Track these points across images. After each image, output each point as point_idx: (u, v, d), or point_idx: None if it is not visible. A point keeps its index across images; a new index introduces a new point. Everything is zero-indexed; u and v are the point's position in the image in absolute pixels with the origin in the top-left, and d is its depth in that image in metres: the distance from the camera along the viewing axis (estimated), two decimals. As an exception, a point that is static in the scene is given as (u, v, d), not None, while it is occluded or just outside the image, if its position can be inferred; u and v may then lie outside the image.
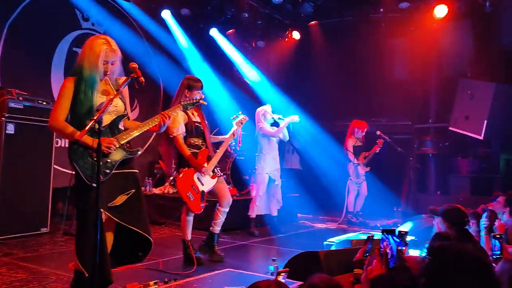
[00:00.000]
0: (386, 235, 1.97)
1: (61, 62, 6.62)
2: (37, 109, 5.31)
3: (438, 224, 3.17)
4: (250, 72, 9.09)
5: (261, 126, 6.09)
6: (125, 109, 3.10)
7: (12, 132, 5.10)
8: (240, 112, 4.86)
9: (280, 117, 6.13)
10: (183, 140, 4.27)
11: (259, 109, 6.19)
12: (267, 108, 6.18)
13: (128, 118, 3.16)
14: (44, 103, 5.41)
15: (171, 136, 4.23)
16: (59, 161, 5.62)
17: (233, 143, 7.00)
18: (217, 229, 4.52)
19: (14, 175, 5.09)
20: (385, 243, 1.95)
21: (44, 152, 5.40)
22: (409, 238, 4.82)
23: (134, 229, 2.97)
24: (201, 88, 4.37)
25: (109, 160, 2.90)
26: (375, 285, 1.89)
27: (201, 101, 3.94)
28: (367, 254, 2.73)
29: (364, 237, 2.94)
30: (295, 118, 6.07)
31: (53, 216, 5.47)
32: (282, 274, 2.23)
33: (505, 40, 7.27)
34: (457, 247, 1.58)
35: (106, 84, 3.03)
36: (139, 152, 3.11)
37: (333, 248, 4.45)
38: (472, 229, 3.60)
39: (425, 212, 6.59)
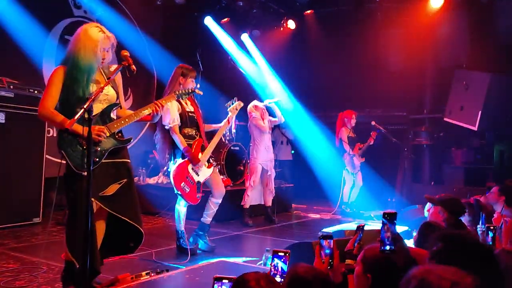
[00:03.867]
0: (386, 219, 2.03)
1: (52, 50, 6.53)
2: (28, 98, 5.23)
3: (436, 213, 3.16)
4: (244, 61, 9.02)
5: (253, 116, 6.05)
6: (117, 98, 3.05)
7: (3, 121, 5.04)
8: (235, 99, 4.75)
9: (272, 101, 6.09)
10: (178, 130, 4.22)
11: (251, 105, 6.14)
12: (254, 103, 6.14)
13: (121, 107, 3.11)
14: (36, 91, 5.33)
15: (166, 127, 4.18)
16: (51, 151, 5.55)
17: (228, 133, 6.99)
18: (208, 219, 4.49)
19: (5, 164, 5.03)
20: (386, 227, 1.99)
21: (36, 141, 5.34)
22: (402, 228, 4.85)
23: (126, 219, 2.94)
24: (195, 77, 4.33)
25: (99, 149, 2.86)
26: (370, 266, 1.91)
27: (196, 91, 3.90)
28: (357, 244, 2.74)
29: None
30: (277, 99, 6.08)
31: (45, 206, 5.42)
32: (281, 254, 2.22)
33: (501, 31, 7.24)
34: (470, 236, 1.61)
35: (98, 72, 2.98)
36: (131, 141, 3.08)
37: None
38: (464, 219, 3.61)
39: (419, 203, 6.62)
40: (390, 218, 2.05)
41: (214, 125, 4.71)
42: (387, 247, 1.96)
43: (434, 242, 1.63)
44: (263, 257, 3.69)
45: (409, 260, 2.02)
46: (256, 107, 6.10)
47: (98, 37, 2.82)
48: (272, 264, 2.06)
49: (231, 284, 1.52)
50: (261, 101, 6.22)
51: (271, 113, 6.23)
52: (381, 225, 2.02)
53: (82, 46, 2.83)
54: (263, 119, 6.11)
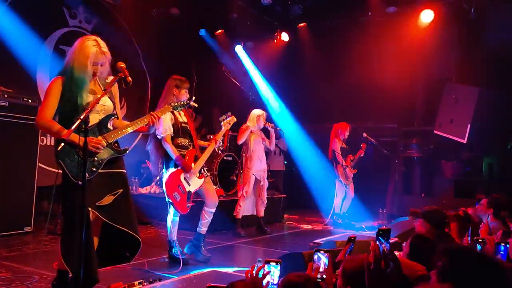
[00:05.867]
0: (381, 238, 2.05)
1: (47, 59, 6.55)
2: (22, 107, 5.25)
3: (419, 226, 3.22)
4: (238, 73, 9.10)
5: (248, 124, 6.10)
6: (114, 108, 3.09)
7: (-4, 130, 5.04)
8: (228, 113, 4.89)
9: (272, 126, 6.17)
10: (171, 140, 4.26)
11: (257, 112, 6.18)
12: (263, 115, 6.18)
13: (118, 118, 3.15)
14: (30, 100, 5.34)
15: (158, 136, 4.23)
16: (44, 160, 5.56)
17: (221, 144, 7.03)
18: (203, 229, 4.52)
19: (-2, 173, 5.02)
20: (383, 246, 2.01)
21: (29, 150, 5.34)
22: (392, 240, 4.90)
23: (123, 228, 2.96)
24: (188, 88, 4.39)
25: (96, 159, 2.89)
26: (350, 278, 1.94)
27: (191, 103, 3.95)
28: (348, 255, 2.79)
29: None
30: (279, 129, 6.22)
31: (37, 215, 5.41)
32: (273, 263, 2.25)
33: (490, 46, 7.39)
34: (474, 251, 1.62)
35: (94, 84, 3.02)
36: (127, 152, 3.11)
37: (318, 249, 4.47)
38: (452, 231, 3.65)
39: (410, 214, 6.68)
40: (385, 236, 2.07)
41: (202, 142, 4.74)
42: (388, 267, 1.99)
43: (439, 257, 1.65)
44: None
45: (401, 277, 2.06)
46: (258, 119, 6.11)
47: (90, 51, 2.86)
48: (268, 272, 2.08)
49: (224, 292, 1.56)
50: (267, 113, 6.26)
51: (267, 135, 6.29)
52: (374, 238, 2.04)
53: (76, 57, 2.88)
54: (251, 133, 6.14)
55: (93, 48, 2.87)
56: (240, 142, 6.15)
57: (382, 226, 6.48)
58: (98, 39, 2.94)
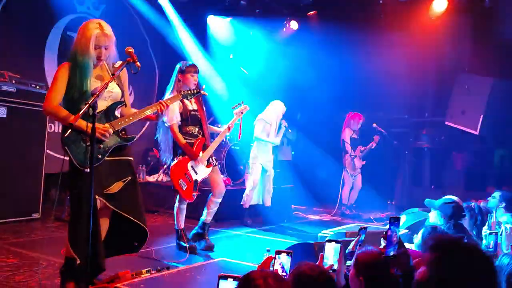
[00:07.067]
0: (392, 223, 2.12)
1: (54, 46, 6.51)
2: (30, 93, 5.22)
3: (433, 218, 3.16)
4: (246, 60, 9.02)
5: (263, 118, 6.05)
6: (123, 95, 3.04)
7: (4, 116, 5.02)
8: (241, 101, 4.69)
9: (286, 125, 6.19)
10: (178, 129, 4.21)
11: (281, 106, 6.18)
12: (283, 110, 6.18)
13: (126, 105, 3.10)
14: (37, 87, 5.32)
15: (166, 125, 4.17)
16: (52, 147, 5.54)
17: (228, 135, 6.98)
18: (208, 219, 4.48)
19: (5, 159, 5.02)
20: (389, 232, 2.08)
21: (37, 136, 5.33)
22: (402, 231, 4.84)
23: (129, 217, 2.93)
24: (195, 72, 4.27)
25: (102, 146, 2.85)
26: (362, 269, 1.93)
27: (202, 92, 3.89)
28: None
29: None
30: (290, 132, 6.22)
31: (45, 202, 5.41)
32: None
33: (504, 35, 7.24)
34: (466, 244, 1.59)
35: (102, 70, 2.98)
36: (135, 139, 3.07)
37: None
38: (465, 222, 3.61)
39: (419, 206, 6.61)
40: (396, 223, 2.08)
41: (217, 128, 4.69)
42: (391, 253, 1.98)
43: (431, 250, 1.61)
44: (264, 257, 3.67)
45: (409, 268, 2.04)
46: (279, 115, 6.13)
47: (91, 33, 2.80)
48: (279, 263, 2.06)
49: (237, 283, 1.51)
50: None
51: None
52: (387, 229, 2.04)
53: (78, 41, 2.84)
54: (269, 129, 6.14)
55: (94, 30, 2.81)
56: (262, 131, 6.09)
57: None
58: (102, 21, 2.88)
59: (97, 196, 2.75)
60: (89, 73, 2.85)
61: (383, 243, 2.23)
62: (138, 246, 3.11)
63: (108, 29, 2.87)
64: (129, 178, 2.97)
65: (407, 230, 4.93)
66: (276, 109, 6.18)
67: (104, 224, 2.99)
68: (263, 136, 6.06)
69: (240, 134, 5.01)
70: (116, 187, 2.91)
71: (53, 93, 2.83)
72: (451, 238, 2.01)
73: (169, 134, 4.24)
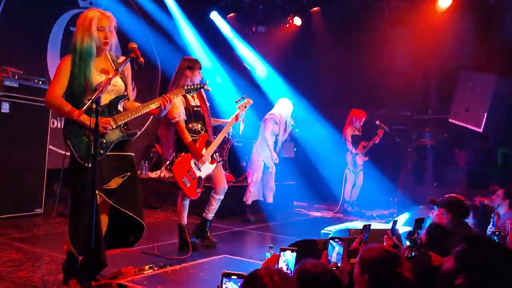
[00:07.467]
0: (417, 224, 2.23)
1: (57, 41, 6.49)
2: (33, 88, 5.22)
3: (440, 215, 3.14)
4: (249, 57, 8.99)
5: (272, 118, 6.05)
6: (126, 89, 3.02)
7: (7, 111, 5.02)
8: (244, 96, 4.67)
9: (293, 123, 6.19)
10: (184, 125, 4.18)
11: (289, 104, 6.19)
12: (291, 108, 6.20)
13: (129, 99, 3.09)
14: (40, 82, 5.31)
15: (172, 121, 4.13)
16: (55, 142, 5.54)
17: (231, 130, 6.96)
18: (210, 215, 4.46)
19: (8, 154, 5.01)
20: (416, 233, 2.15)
21: (40, 132, 5.32)
22: (404, 229, 4.83)
23: (129, 213, 2.93)
24: (200, 68, 4.27)
25: (104, 141, 2.84)
26: (367, 266, 1.91)
27: (205, 87, 3.87)
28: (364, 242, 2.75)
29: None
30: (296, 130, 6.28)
31: (47, 197, 5.41)
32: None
33: (508, 33, 7.19)
34: (493, 241, 1.63)
35: (106, 61, 2.95)
36: (137, 135, 3.06)
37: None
38: (468, 221, 3.59)
39: (422, 203, 6.59)
40: (420, 225, 2.09)
41: (221, 120, 4.67)
42: (413, 253, 1.99)
43: (458, 242, 1.62)
44: (267, 254, 3.67)
45: (428, 268, 2.03)
46: (288, 116, 6.15)
47: (93, 16, 2.80)
48: (284, 260, 2.05)
49: (241, 281, 1.50)
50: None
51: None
52: (410, 230, 2.05)
53: (79, 27, 2.83)
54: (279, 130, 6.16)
55: (95, 13, 2.83)
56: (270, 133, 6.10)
57: (394, 215, 6.41)
58: (100, 10, 2.88)
59: (97, 191, 2.74)
60: (92, 59, 2.82)
61: (407, 243, 2.25)
62: (133, 241, 3.11)
63: (108, 13, 2.88)
64: (129, 173, 2.96)
65: (410, 228, 4.92)
66: (284, 107, 6.16)
67: (104, 219, 2.99)
68: (269, 140, 6.04)
69: (241, 128, 5.00)
70: (114, 183, 2.90)
71: (55, 85, 2.82)
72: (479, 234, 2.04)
73: (172, 130, 4.22)
